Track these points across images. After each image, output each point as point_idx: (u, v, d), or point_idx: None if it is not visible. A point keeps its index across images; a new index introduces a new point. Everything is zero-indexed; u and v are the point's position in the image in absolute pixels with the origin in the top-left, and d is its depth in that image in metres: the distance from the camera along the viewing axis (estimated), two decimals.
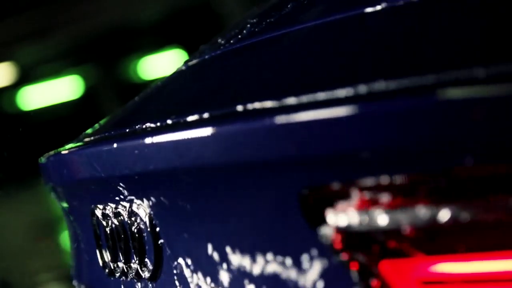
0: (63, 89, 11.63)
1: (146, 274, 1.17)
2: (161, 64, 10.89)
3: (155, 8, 10.18)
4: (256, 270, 0.98)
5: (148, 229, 1.14)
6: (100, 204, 1.26)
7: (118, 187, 1.20)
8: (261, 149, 0.91)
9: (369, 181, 0.85)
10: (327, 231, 0.89)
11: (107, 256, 1.27)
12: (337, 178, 0.87)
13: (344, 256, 0.88)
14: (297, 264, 0.93)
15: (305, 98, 0.92)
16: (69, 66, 11.46)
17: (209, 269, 1.05)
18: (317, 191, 0.89)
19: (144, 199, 1.14)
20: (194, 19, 9.96)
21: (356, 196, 0.87)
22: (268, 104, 0.95)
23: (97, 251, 1.30)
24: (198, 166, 1.00)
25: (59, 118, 11.46)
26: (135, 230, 1.17)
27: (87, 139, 1.36)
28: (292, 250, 0.93)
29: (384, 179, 0.84)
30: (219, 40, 1.44)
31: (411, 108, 0.80)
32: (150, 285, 1.17)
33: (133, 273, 1.20)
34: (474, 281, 0.82)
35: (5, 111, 11.60)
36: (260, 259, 0.97)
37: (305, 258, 0.92)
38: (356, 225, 0.87)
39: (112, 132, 1.27)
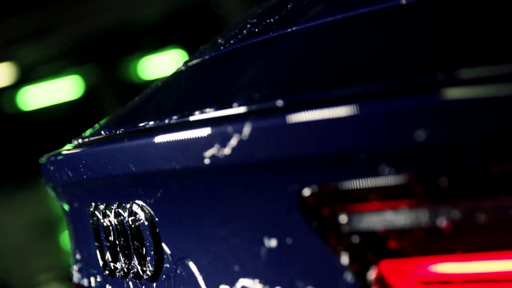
0: (63, 89, 11.63)
1: (146, 274, 1.17)
2: (161, 64, 10.89)
3: (155, 8, 10.18)
4: (256, 269, 0.98)
5: (148, 229, 1.14)
6: (100, 204, 1.26)
7: (118, 187, 1.20)
8: (261, 149, 0.91)
9: (368, 182, 0.85)
10: (327, 231, 0.89)
11: (107, 256, 1.27)
12: (337, 178, 0.87)
13: (344, 256, 0.88)
14: (297, 263, 0.93)
15: (305, 98, 0.92)
16: (69, 66, 11.46)
17: (209, 269, 1.05)
18: (317, 191, 0.89)
19: (144, 199, 1.14)
20: (194, 19, 9.96)
21: (356, 196, 0.87)
22: (268, 104, 0.95)
23: (97, 251, 1.30)
24: (198, 166, 1.00)
25: (59, 118, 11.46)
26: (135, 230, 1.17)
27: (87, 139, 1.36)
28: (292, 250, 0.93)
29: (384, 180, 0.84)
30: (219, 40, 1.44)
31: (411, 108, 0.80)
32: (150, 285, 1.17)
33: (133, 273, 1.20)
34: (474, 281, 0.82)
35: (5, 111, 11.60)
36: (259, 258, 0.97)
37: (305, 258, 0.92)
38: (356, 225, 0.87)
39: (112, 132, 1.27)
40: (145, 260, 1.17)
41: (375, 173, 0.84)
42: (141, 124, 1.17)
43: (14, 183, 10.67)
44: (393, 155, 0.82)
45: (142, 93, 1.54)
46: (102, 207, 1.25)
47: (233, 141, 0.94)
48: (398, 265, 0.86)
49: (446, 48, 0.89)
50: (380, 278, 0.86)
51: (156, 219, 1.13)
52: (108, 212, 1.23)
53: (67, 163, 1.31)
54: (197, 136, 0.98)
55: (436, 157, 0.80)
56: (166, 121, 1.10)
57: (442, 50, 0.89)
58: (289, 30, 1.20)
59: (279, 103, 0.92)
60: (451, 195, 0.81)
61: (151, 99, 1.41)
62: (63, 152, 1.35)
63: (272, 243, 0.95)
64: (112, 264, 1.26)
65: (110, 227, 1.23)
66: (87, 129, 1.50)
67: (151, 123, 1.14)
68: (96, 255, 1.30)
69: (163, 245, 1.13)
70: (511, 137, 0.75)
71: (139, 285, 1.20)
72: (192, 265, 1.08)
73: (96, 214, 1.27)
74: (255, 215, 0.97)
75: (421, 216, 0.83)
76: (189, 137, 1.00)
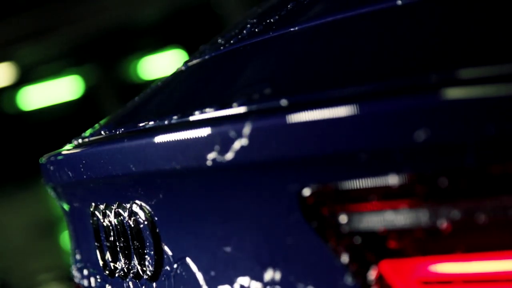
0: (63, 89, 11.63)
1: (146, 274, 1.17)
2: (161, 64, 10.89)
3: (155, 8, 10.18)
4: (255, 269, 0.98)
5: (148, 229, 1.14)
6: (100, 204, 1.26)
7: (118, 187, 1.20)
8: (261, 149, 0.91)
9: (368, 182, 0.85)
10: (327, 231, 0.89)
11: (107, 256, 1.27)
12: (337, 178, 0.87)
13: (344, 256, 0.88)
14: (297, 263, 0.93)
15: (305, 98, 0.92)
16: (69, 66, 11.46)
17: (209, 269, 1.05)
18: (316, 191, 0.89)
19: (144, 199, 1.14)
20: (194, 19, 9.96)
21: (356, 196, 0.87)
22: (268, 104, 0.95)
23: (97, 251, 1.30)
24: (198, 166, 1.00)
25: (59, 118, 11.46)
26: (135, 230, 1.17)
27: (87, 139, 1.36)
28: (292, 250, 0.93)
29: (384, 180, 0.84)
30: (219, 40, 1.44)
31: (411, 108, 0.80)
32: (150, 285, 1.17)
33: (133, 273, 1.20)
34: (474, 281, 0.82)
35: (5, 111, 11.60)
36: (259, 258, 0.97)
37: (305, 258, 0.92)
38: (356, 225, 0.87)
39: (112, 132, 1.27)
40: (145, 260, 1.17)
41: (375, 173, 0.84)
42: (141, 124, 1.17)
43: (14, 183, 10.67)
44: (393, 155, 0.82)
45: (142, 93, 1.54)
46: (102, 207, 1.25)
47: (233, 141, 0.94)
48: (398, 265, 0.86)
49: (446, 48, 0.89)
50: (380, 278, 0.86)
51: (156, 219, 1.13)
52: (108, 212, 1.23)
53: (67, 163, 1.31)
54: (197, 136, 0.98)
55: (436, 157, 0.80)
56: (166, 121, 1.10)
57: (442, 50, 0.89)
58: (289, 30, 1.20)
59: (279, 103, 0.92)
60: (451, 195, 0.80)
61: (151, 99, 1.41)
62: (63, 152, 1.35)
63: (272, 243, 0.95)
64: (112, 264, 1.26)
65: (110, 227, 1.23)
66: (87, 129, 1.50)
67: (151, 123, 1.14)
68: (96, 255, 1.30)
69: (163, 245, 1.13)
70: (511, 137, 0.75)
71: (139, 285, 1.20)
72: (192, 265, 1.08)
73: (96, 214, 1.27)
74: (255, 215, 0.97)
75: (421, 216, 0.83)
76: (189, 137, 1.00)
